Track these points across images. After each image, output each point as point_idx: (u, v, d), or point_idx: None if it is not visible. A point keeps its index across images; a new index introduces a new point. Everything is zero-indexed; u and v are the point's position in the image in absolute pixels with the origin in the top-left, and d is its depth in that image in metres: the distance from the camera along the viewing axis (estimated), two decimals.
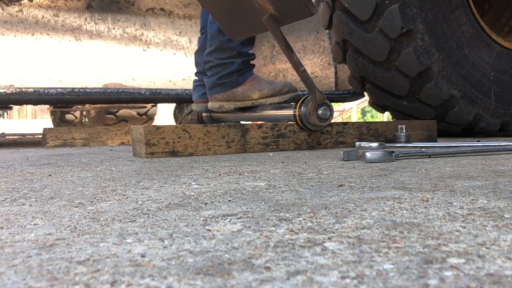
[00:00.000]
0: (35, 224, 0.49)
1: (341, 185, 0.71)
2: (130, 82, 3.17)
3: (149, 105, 4.35)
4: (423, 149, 1.25)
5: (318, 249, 0.38)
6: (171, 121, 4.34)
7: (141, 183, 0.78)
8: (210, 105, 1.82)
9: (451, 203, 0.55)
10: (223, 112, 1.83)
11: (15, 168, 1.08)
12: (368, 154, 1.06)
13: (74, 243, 0.41)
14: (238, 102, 1.73)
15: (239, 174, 0.87)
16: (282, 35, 1.28)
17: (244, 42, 1.72)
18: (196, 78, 1.97)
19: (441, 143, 1.44)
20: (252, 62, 1.80)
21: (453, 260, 0.34)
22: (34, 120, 12.39)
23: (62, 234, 0.45)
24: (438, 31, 1.87)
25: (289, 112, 1.50)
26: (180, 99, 2.42)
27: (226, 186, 0.72)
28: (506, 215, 0.48)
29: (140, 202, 0.60)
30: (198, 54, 1.93)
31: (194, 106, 1.98)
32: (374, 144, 1.28)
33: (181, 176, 0.87)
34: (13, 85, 2.56)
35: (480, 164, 0.97)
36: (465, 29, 1.92)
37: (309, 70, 2.95)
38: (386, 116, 8.57)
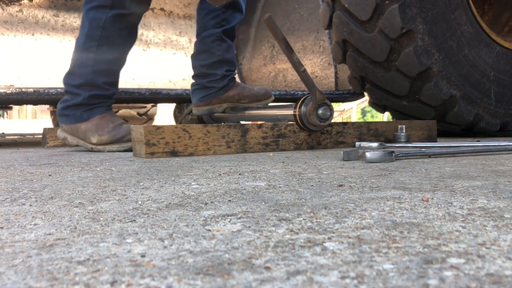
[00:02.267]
0: (35, 224, 0.49)
1: (341, 185, 0.71)
2: (130, 82, 3.17)
3: (149, 105, 4.35)
4: (423, 149, 1.25)
5: (318, 249, 0.38)
6: (171, 121, 4.34)
7: (141, 183, 0.78)
8: (58, 133, 1.71)
9: (451, 203, 0.55)
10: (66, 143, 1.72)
11: (15, 168, 1.08)
12: (368, 154, 1.06)
13: (74, 243, 0.41)
14: (80, 140, 1.65)
15: (239, 174, 0.87)
16: (282, 35, 1.28)
17: (97, 71, 1.60)
18: (194, 81, 1.95)
19: (441, 143, 1.44)
20: (109, 97, 1.68)
21: (453, 260, 0.34)
22: (34, 120, 12.38)
23: (62, 234, 0.45)
24: (438, 31, 1.87)
25: (289, 112, 1.50)
26: (180, 99, 2.42)
27: (226, 186, 0.72)
28: (506, 215, 0.48)
29: (140, 202, 0.60)
30: (194, 57, 1.91)
31: (194, 110, 1.96)
32: (374, 144, 1.28)
33: (181, 176, 0.87)
34: (13, 85, 2.56)
35: (480, 164, 0.97)
36: (465, 29, 1.92)
37: (309, 70, 2.95)
38: (386, 116, 8.57)
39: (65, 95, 1.66)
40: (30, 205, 0.60)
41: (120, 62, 1.69)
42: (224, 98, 1.89)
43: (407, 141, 1.55)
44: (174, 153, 1.31)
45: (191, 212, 0.53)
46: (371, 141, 1.58)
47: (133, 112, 4.36)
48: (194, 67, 1.92)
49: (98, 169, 1.02)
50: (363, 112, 18.11)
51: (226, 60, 1.84)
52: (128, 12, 1.61)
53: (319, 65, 2.97)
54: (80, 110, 1.63)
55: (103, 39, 1.60)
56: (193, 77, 1.93)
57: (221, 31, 1.81)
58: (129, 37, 1.69)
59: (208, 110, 1.91)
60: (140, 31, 3.28)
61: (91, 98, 1.62)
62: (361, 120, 12.98)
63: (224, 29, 1.81)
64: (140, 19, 1.70)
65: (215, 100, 1.89)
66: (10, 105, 3.62)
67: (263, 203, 0.58)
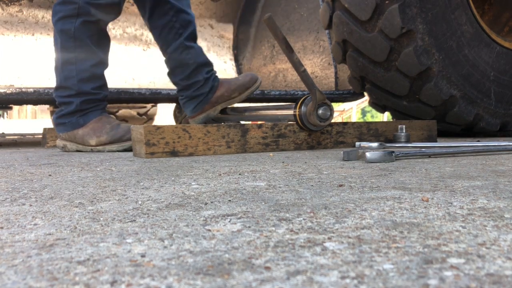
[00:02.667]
0: (35, 224, 0.49)
1: (341, 185, 0.71)
2: (130, 82, 3.17)
3: (149, 105, 4.35)
4: (423, 149, 1.25)
5: (318, 249, 0.38)
6: (171, 121, 4.34)
7: (141, 183, 0.78)
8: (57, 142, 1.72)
9: (451, 203, 0.55)
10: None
11: (15, 168, 1.08)
12: (368, 154, 1.06)
13: (74, 243, 0.41)
14: (79, 145, 1.65)
15: (239, 174, 0.87)
16: (282, 35, 1.28)
17: (82, 79, 1.61)
18: (181, 95, 1.89)
19: (441, 143, 1.44)
20: (101, 100, 1.67)
21: (453, 260, 0.34)
22: (34, 120, 12.37)
23: (62, 234, 0.45)
24: (438, 31, 1.87)
25: (289, 112, 1.50)
26: None
27: (226, 186, 0.72)
28: (506, 215, 0.48)
29: (140, 202, 0.60)
30: (171, 75, 1.86)
31: (191, 121, 1.90)
32: (374, 144, 1.28)
33: (181, 176, 0.87)
34: (13, 85, 2.56)
35: (480, 164, 0.97)
36: (465, 29, 1.92)
37: (309, 70, 2.95)
38: (386, 116, 8.57)
39: (59, 107, 1.68)
40: (30, 205, 0.60)
41: (102, 65, 1.68)
42: (215, 100, 1.86)
43: (407, 141, 1.55)
44: (174, 153, 1.31)
45: (191, 212, 0.53)
46: (371, 141, 1.58)
47: (133, 112, 4.36)
48: (175, 83, 1.88)
49: (98, 169, 1.02)
50: (363, 112, 18.11)
51: (201, 63, 1.82)
52: (94, 19, 1.61)
53: (319, 65, 2.97)
54: (75, 116, 1.64)
55: (78, 48, 1.60)
56: (178, 92, 1.89)
57: (183, 40, 1.78)
58: (102, 40, 1.68)
59: (204, 118, 1.88)
60: (140, 31, 3.29)
61: (84, 104, 1.63)
62: (361, 120, 12.97)
63: (185, 36, 1.78)
64: (107, 24, 1.69)
65: (208, 106, 1.86)
66: (10, 105, 3.61)
67: (263, 203, 0.58)
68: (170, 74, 1.88)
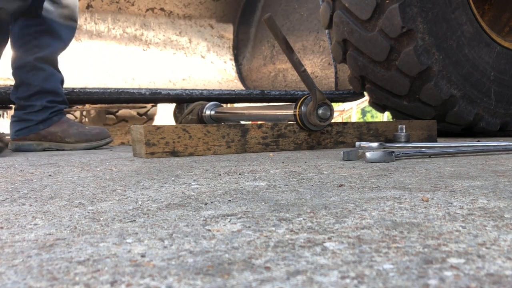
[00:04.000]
0: (35, 224, 0.49)
1: (341, 185, 0.71)
2: (130, 82, 3.17)
3: (149, 105, 4.35)
4: (423, 149, 1.25)
5: (318, 249, 0.38)
6: (171, 121, 4.34)
7: (141, 183, 0.78)
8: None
9: (451, 203, 0.55)
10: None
11: (15, 168, 1.08)
12: (368, 154, 1.06)
13: (74, 243, 0.41)
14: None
15: (239, 174, 0.87)
16: (282, 35, 1.28)
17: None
18: (13, 113, 1.78)
19: (441, 143, 1.44)
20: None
21: (453, 260, 0.34)
22: None
23: (62, 234, 0.45)
24: (438, 31, 1.87)
25: (289, 111, 1.50)
26: (180, 99, 2.42)
27: (226, 186, 0.72)
28: (506, 215, 0.48)
29: (140, 202, 0.60)
30: (12, 90, 1.76)
31: (10, 144, 1.76)
32: (374, 144, 1.28)
33: (181, 176, 0.87)
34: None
35: (480, 164, 0.97)
36: (465, 29, 1.92)
37: (309, 70, 2.95)
38: (386, 116, 8.57)
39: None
40: (30, 205, 0.60)
41: None
42: (45, 134, 1.75)
43: (407, 141, 1.55)
44: (174, 153, 1.31)
45: (191, 212, 0.53)
46: (371, 141, 1.58)
47: (133, 112, 4.36)
48: (14, 100, 1.77)
49: (98, 169, 1.02)
50: (363, 112, 18.12)
51: (46, 90, 1.72)
52: None
53: (319, 65, 2.97)
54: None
55: None
56: (14, 110, 1.80)
57: (33, 60, 1.69)
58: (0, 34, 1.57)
59: (26, 146, 1.75)
60: (140, 31, 3.29)
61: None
62: (361, 120, 12.98)
63: (37, 57, 1.69)
64: (9, 15, 1.57)
65: (34, 135, 1.74)
66: (10, 105, 3.61)
67: (263, 203, 0.58)
68: (13, 89, 1.78)
